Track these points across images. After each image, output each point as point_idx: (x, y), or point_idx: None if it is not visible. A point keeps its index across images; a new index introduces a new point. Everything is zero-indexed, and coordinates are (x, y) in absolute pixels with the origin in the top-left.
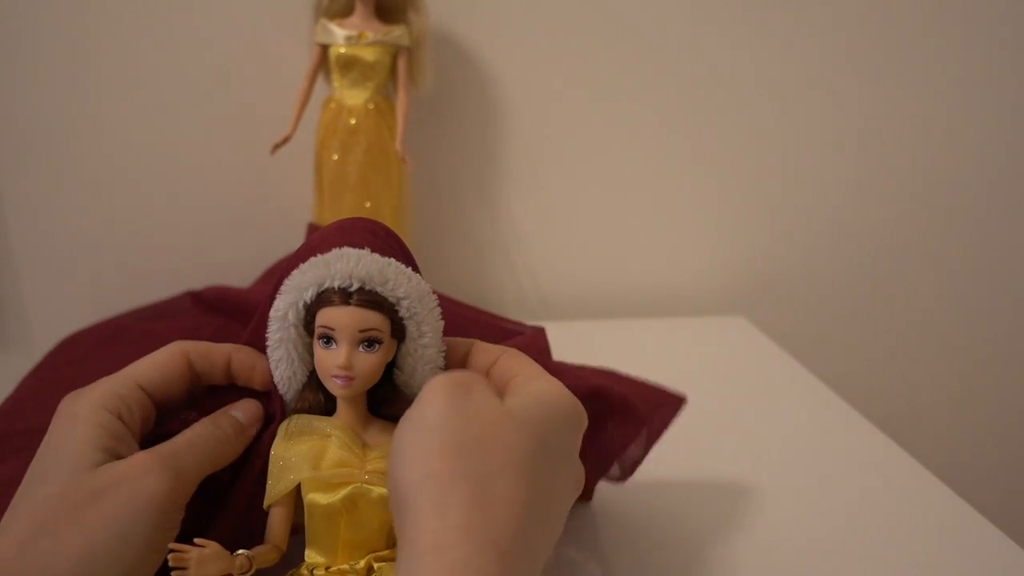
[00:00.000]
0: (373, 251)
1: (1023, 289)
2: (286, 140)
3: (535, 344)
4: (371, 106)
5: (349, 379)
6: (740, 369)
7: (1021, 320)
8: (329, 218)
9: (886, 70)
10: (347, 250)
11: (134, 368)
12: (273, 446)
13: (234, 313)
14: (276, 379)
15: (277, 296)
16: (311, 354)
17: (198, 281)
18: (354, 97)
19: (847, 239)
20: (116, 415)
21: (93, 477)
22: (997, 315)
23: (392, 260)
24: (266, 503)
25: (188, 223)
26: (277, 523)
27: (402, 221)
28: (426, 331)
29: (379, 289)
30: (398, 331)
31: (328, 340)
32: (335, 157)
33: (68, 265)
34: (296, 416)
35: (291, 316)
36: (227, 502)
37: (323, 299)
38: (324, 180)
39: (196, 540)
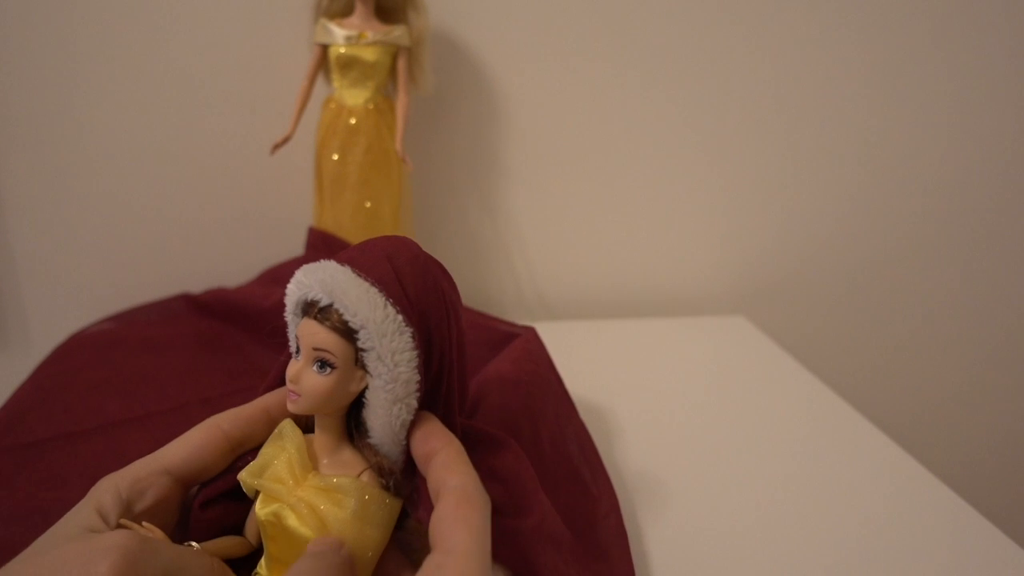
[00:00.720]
0: (369, 273)
1: (1023, 290)
2: (286, 140)
3: (529, 347)
4: (371, 106)
5: (295, 394)
6: (740, 369)
7: (1022, 321)
8: (329, 218)
9: (888, 73)
10: (325, 263)
11: (165, 451)
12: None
13: (231, 316)
14: None
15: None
16: None
17: (198, 280)
18: (354, 97)
19: (847, 240)
20: (121, 498)
21: (53, 548)
22: (997, 316)
23: (368, 286)
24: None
25: (188, 223)
26: (251, 517)
27: (402, 221)
28: (382, 372)
29: (343, 311)
30: (360, 360)
31: (297, 351)
32: (335, 157)
33: (68, 265)
34: (287, 421)
35: (289, 318)
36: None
37: (303, 307)
38: (324, 180)
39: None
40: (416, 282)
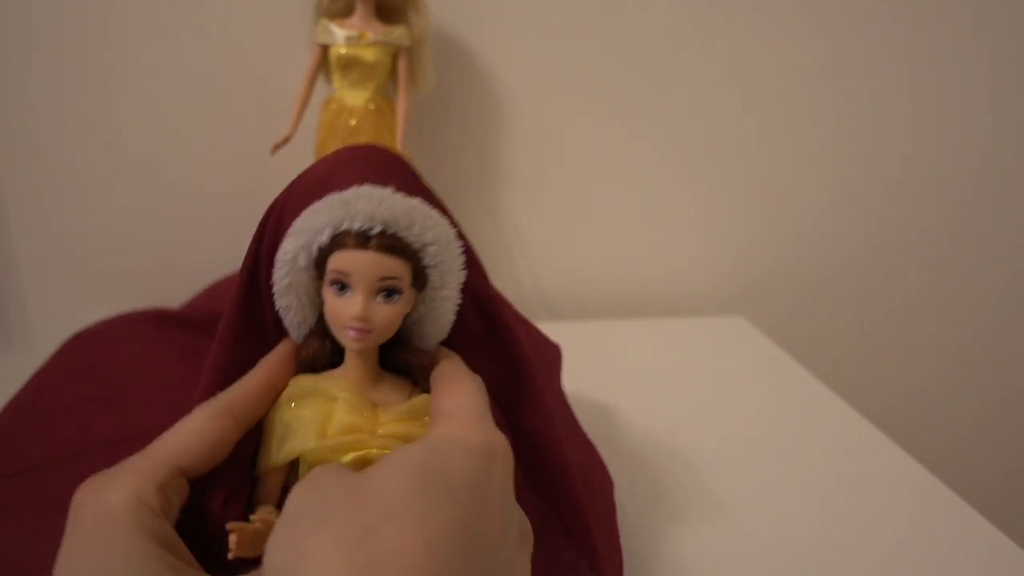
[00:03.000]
0: (403, 188)
1: (1023, 288)
2: (286, 140)
3: (548, 363)
4: (371, 106)
5: (365, 332)
6: (739, 369)
7: (1022, 319)
8: None
9: (888, 73)
10: (368, 188)
11: (172, 444)
12: (274, 408)
13: (204, 327)
14: (287, 325)
15: (285, 238)
16: (321, 298)
17: (198, 280)
18: (354, 97)
19: (846, 239)
20: (161, 514)
21: None
22: (997, 315)
23: (418, 201)
24: (262, 469)
25: (188, 223)
26: (274, 487)
27: None
28: (449, 281)
29: (403, 233)
30: (419, 280)
31: (342, 287)
32: None
33: (68, 265)
34: (299, 378)
35: (302, 259)
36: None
37: (337, 242)
38: None
39: (252, 516)
40: (422, 184)
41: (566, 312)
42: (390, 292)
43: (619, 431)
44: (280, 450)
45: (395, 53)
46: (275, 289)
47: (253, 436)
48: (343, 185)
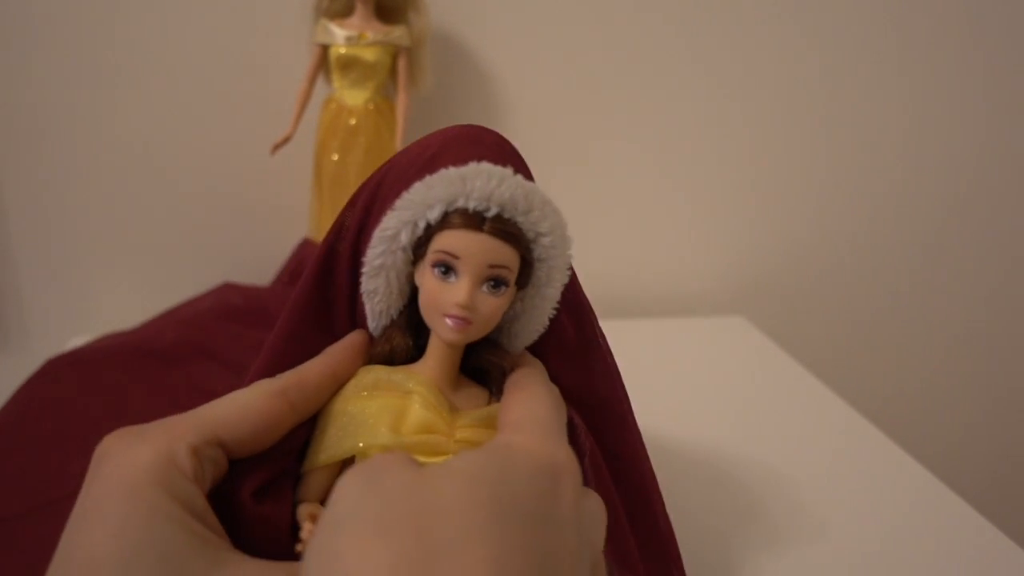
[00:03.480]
0: (522, 172)
1: (1019, 287)
2: (286, 140)
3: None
4: (371, 106)
5: (467, 322)
6: (739, 369)
7: (1018, 318)
8: (328, 218)
9: (888, 72)
10: (487, 166)
11: (216, 412)
12: (337, 399)
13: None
14: (368, 312)
15: (387, 214)
16: (410, 288)
17: (197, 280)
18: (354, 97)
19: (847, 239)
20: (193, 481)
21: None
22: (998, 315)
23: (537, 187)
24: (314, 463)
25: (188, 223)
26: (320, 485)
27: None
28: (555, 279)
29: (520, 219)
30: (524, 275)
31: (447, 270)
32: (335, 157)
33: (68, 266)
34: (369, 367)
35: (404, 237)
36: None
37: (447, 221)
38: (324, 181)
39: (300, 511)
40: (530, 175)
41: None
42: (497, 282)
43: None
44: (342, 443)
45: (395, 53)
46: (365, 269)
47: (304, 429)
48: (456, 161)
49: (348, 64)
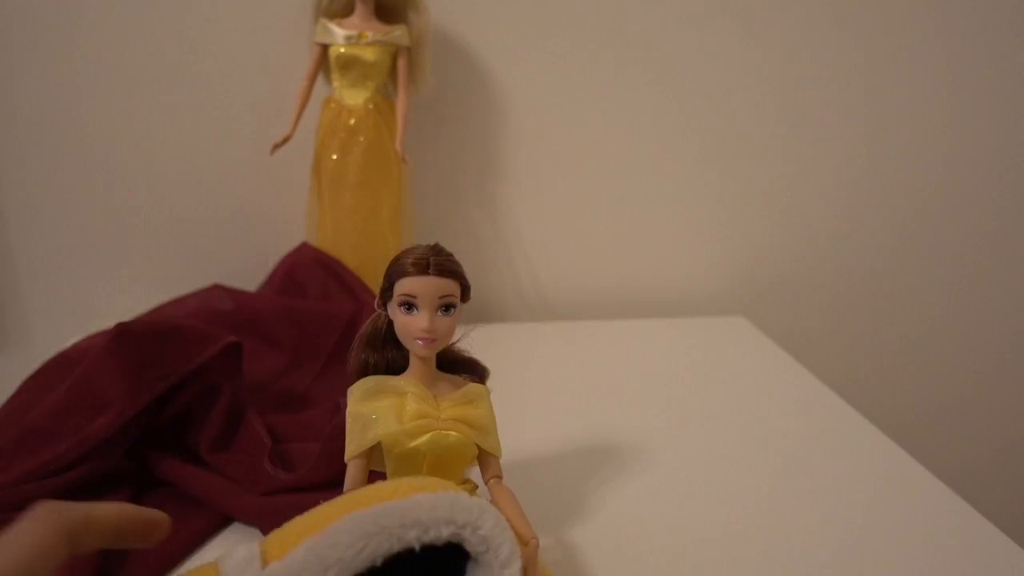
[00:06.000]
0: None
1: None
2: (286, 140)
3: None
4: (371, 106)
5: (431, 340)
6: (740, 369)
7: (1019, 317)
8: (327, 218)
9: (889, 73)
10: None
11: None
12: (350, 405)
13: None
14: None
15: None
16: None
17: (197, 280)
18: (354, 97)
19: (847, 240)
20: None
21: None
22: (998, 315)
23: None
24: (350, 455)
25: (188, 223)
26: (360, 472)
27: (402, 221)
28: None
29: (449, 262)
30: (465, 294)
31: (409, 307)
32: (335, 157)
33: (68, 266)
34: (367, 379)
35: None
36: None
37: (403, 271)
38: (323, 180)
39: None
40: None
41: (566, 312)
42: (448, 307)
43: (619, 431)
44: (365, 436)
45: (395, 53)
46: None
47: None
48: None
49: (348, 64)
